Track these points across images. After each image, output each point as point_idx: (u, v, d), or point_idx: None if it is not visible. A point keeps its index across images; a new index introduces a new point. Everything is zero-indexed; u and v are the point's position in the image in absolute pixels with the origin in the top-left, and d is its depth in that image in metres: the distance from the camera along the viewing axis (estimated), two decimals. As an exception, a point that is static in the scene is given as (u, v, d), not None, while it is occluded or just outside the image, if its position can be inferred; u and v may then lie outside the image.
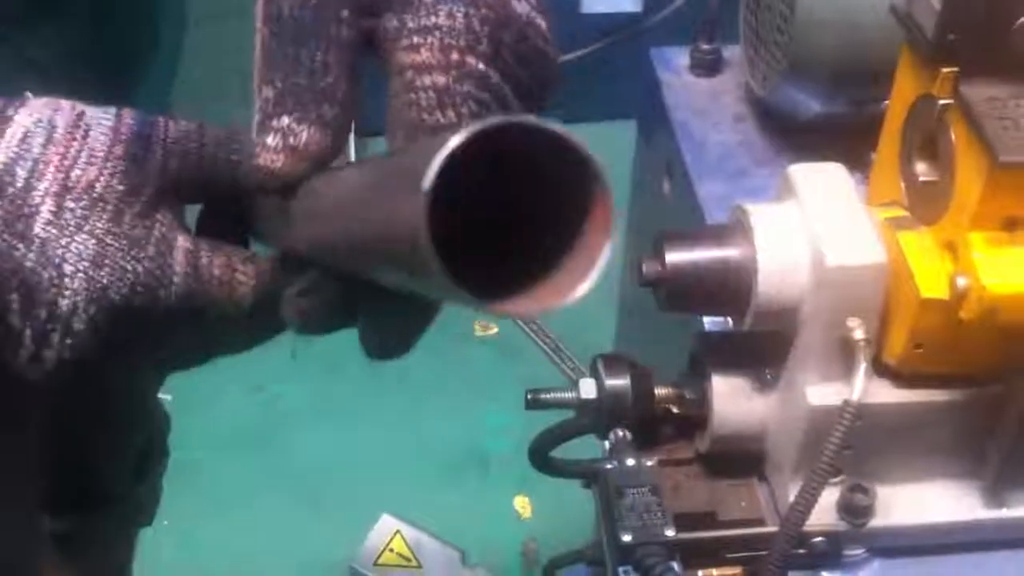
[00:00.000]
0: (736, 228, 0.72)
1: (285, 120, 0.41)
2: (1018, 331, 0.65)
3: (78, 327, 0.38)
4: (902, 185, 0.74)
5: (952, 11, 0.67)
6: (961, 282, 0.64)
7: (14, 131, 0.38)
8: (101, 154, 0.39)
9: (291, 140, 0.41)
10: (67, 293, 0.38)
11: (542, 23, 0.44)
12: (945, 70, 0.68)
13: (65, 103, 0.40)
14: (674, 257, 0.71)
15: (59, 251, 0.38)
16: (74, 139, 0.39)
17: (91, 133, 0.39)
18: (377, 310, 0.40)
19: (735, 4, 1.05)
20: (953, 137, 0.69)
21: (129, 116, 0.40)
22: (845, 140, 0.95)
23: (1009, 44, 0.66)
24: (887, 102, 0.84)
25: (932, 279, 0.67)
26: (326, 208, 0.39)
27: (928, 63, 0.70)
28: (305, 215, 0.41)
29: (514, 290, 0.31)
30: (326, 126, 0.41)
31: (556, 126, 0.29)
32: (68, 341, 0.38)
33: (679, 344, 0.82)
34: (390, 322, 0.41)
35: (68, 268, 0.38)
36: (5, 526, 0.49)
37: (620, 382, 0.75)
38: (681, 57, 1.09)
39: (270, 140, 0.41)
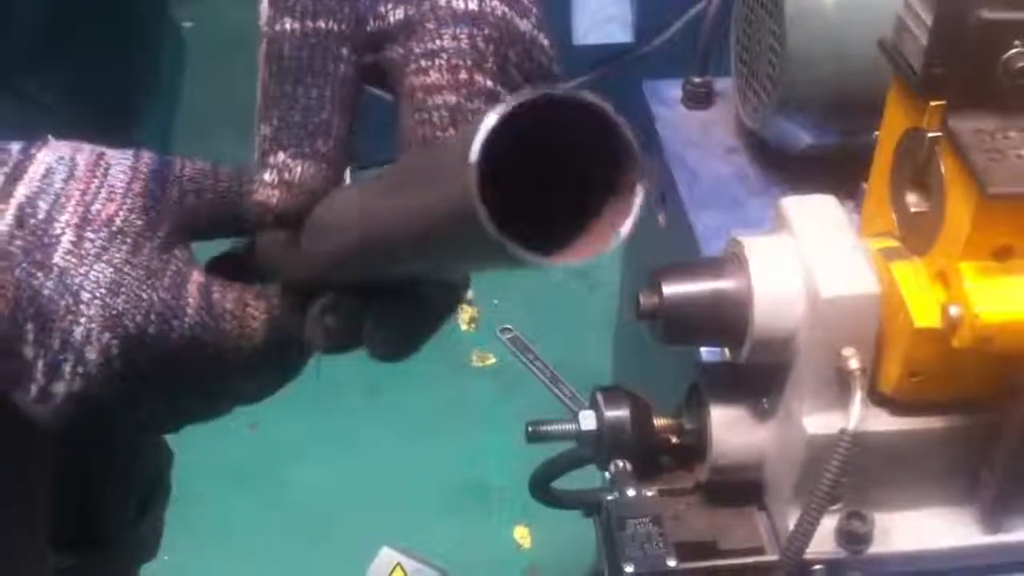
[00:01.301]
0: (731, 260, 0.73)
1: (281, 156, 0.42)
2: (1011, 358, 0.66)
3: (90, 356, 0.39)
4: (894, 216, 0.75)
5: (939, 45, 0.68)
6: (954, 311, 0.65)
7: (37, 168, 0.40)
8: (121, 190, 0.40)
9: (286, 175, 0.41)
10: (82, 320, 0.39)
11: (545, 41, 0.45)
12: (933, 103, 0.70)
13: (86, 145, 0.41)
14: (671, 290, 0.72)
15: (77, 279, 0.39)
16: (95, 176, 0.40)
17: (111, 171, 0.41)
18: (386, 311, 0.41)
19: (726, 36, 1.06)
20: (943, 169, 0.70)
21: (147, 156, 0.42)
22: (837, 170, 0.96)
23: (996, 78, 0.67)
24: (877, 133, 0.86)
25: (925, 309, 0.68)
26: (346, 219, 0.40)
27: (916, 96, 0.71)
28: (317, 235, 0.42)
29: (555, 247, 0.32)
30: (321, 160, 0.42)
31: (584, 94, 0.31)
32: (80, 370, 0.39)
33: (676, 373, 0.83)
34: (398, 320, 0.42)
35: (85, 295, 0.39)
36: (14, 553, 0.50)
37: (619, 414, 0.76)
38: (674, 90, 1.11)
39: (267, 176, 0.42)
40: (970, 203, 0.67)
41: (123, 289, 0.39)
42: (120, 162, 0.41)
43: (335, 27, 0.43)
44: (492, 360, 1.98)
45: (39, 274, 0.39)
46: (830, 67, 0.91)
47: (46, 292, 0.39)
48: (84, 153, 0.41)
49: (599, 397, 0.78)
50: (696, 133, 1.06)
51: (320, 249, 0.41)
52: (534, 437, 0.77)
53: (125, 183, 0.41)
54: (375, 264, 0.38)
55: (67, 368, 0.39)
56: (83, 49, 0.66)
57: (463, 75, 0.41)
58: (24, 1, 0.61)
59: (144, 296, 0.39)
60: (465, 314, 1.99)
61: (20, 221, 0.39)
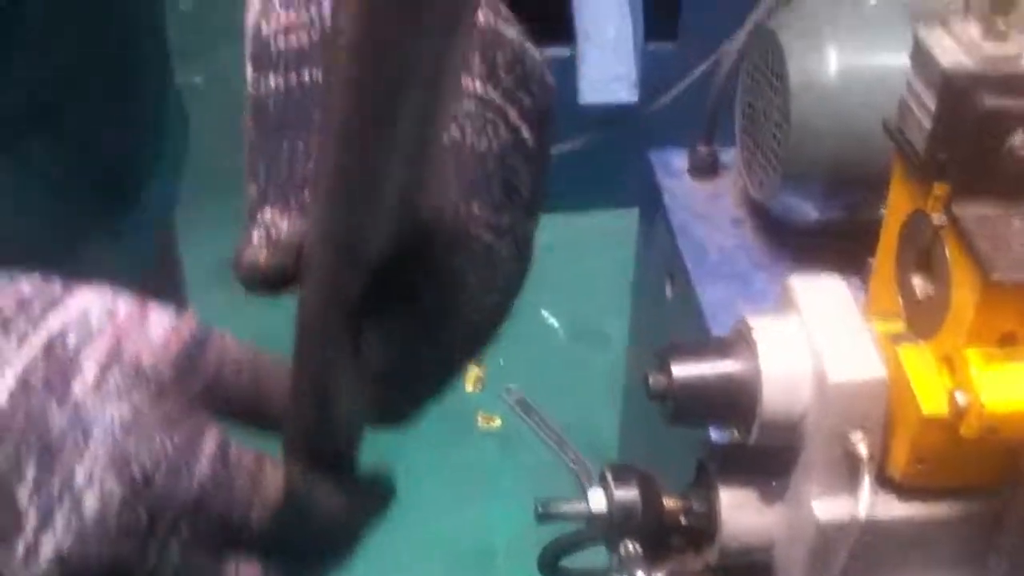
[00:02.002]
0: (739, 341, 0.74)
1: (267, 213, 0.40)
2: (1017, 446, 0.66)
3: (88, 503, 0.36)
4: (899, 297, 0.76)
5: (942, 131, 0.69)
6: (960, 399, 0.66)
7: (77, 302, 0.39)
8: (157, 340, 0.39)
9: (272, 232, 0.40)
10: (87, 459, 0.36)
11: (534, 51, 0.44)
12: (937, 188, 0.70)
13: (131, 295, 0.40)
14: (680, 371, 0.73)
15: (92, 415, 0.37)
16: (133, 322, 0.39)
17: (151, 320, 0.40)
18: (391, 364, 0.40)
19: (732, 104, 1.07)
20: (947, 254, 0.70)
21: (191, 318, 0.40)
22: (843, 244, 0.97)
23: (1000, 164, 0.68)
24: (883, 209, 0.87)
25: (932, 395, 0.68)
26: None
27: (920, 180, 0.72)
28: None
29: None
30: (306, 214, 0.40)
31: None
32: (74, 521, 0.36)
33: (685, 444, 0.83)
34: (404, 374, 0.41)
35: (96, 432, 0.37)
36: None
37: (629, 494, 0.76)
38: (680, 160, 1.12)
39: (254, 235, 0.40)
40: (975, 289, 0.67)
41: (136, 430, 0.37)
42: (162, 316, 0.40)
43: (319, 76, 0.42)
44: (497, 422, 1.97)
45: (54, 406, 0.37)
46: (835, 142, 0.92)
47: (57, 426, 0.37)
48: (127, 298, 0.40)
49: (608, 475, 0.78)
50: (702, 204, 1.07)
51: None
52: (544, 517, 0.77)
53: (163, 335, 0.39)
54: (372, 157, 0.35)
55: (60, 518, 0.36)
56: (86, 111, 0.65)
57: None
58: (26, 63, 0.60)
59: (157, 439, 0.37)
60: (471, 374, 1.99)
61: (47, 350, 0.38)
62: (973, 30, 0.69)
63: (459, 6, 0.32)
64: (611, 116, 2.08)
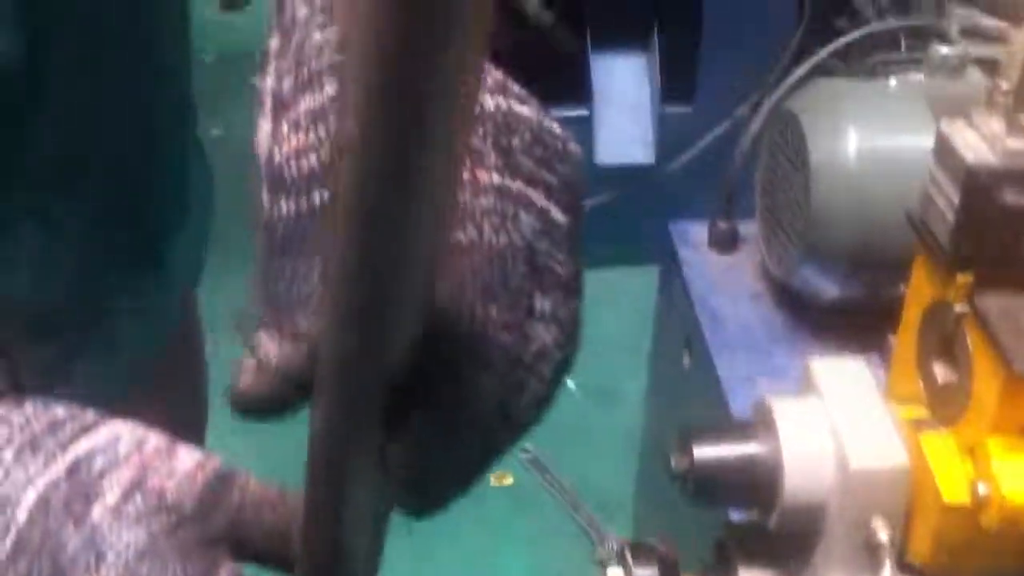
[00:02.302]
0: (760, 424, 0.75)
1: (262, 338, 0.39)
2: (1039, 538, 0.67)
3: None
4: (921, 383, 0.77)
5: (966, 225, 0.70)
6: (982, 489, 0.66)
7: (108, 430, 0.40)
8: (182, 473, 0.39)
9: (265, 359, 0.39)
10: None
11: (552, 124, 0.43)
12: (960, 278, 0.72)
13: (162, 432, 0.41)
14: (701, 453, 0.73)
15: (108, 538, 0.38)
16: (161, 453, 0.40)
17: (178, 455, 0.40)
18: (411, 474, 0.39)
19: (751, 176, 1.09)
20: (969, 344, 0.71)
21: (217, 458, 0.41)
22: (864, 320, 0.98)
23: (1022, 258, 0.69)
24: (903, 286, 0.88)
25: (954, 484, 0.69)
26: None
27: (943, 270, 0.73)
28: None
29: None
30: (299, 339, 0.39)
31: None
32: None
33: (702, 517, 0.84)
34: (425, 482, 0.40)
35: (110, 556, 0.37)
36: None
37: (647, 573, 0.76)
38: (699, 231, 1.13)
39: (246, 362, 0.39)
40: (997, 380, 0.68)
41: (150, 557, 0.37)
42: (190, 452, 0.40)
43: (328, 196, 0.41)
44: (509, 480, 1.97)
45: (71, 527, 0.37)
46: (855, 222, 0.93)
47: (71, 547, 0.37)
48: (157, 433, 0.40)
49: (627, 554, 0.78)
50: (722, 277, 1.08)
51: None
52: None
53: (188, 469, 0.40)
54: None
55: None
56: (111, 172, 0.65)
57: (465, 176, 0.39)
58: (51, 124, 0.61)
59: (170, 569, 0.37)
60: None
61: (72, 472, 0.38)
62: (996, 125, 0.71)
63: (462, 113, 0.31)
64: (628, 176, 2.11)
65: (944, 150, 0.73)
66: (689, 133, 2.06)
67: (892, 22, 1.09)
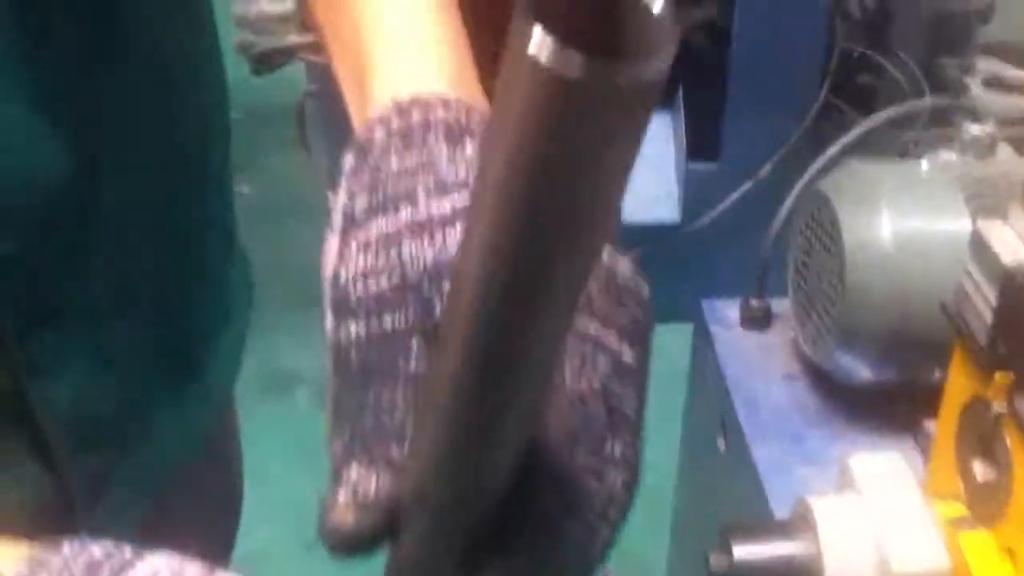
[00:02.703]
0: (800, 523, 0.74)
1: (353, 471, 0.39)
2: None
3: None
4: (960, 481, 0.76)
5: (1003, 325, 0.70)
6: (1026, 596, 0.66)
7: (146, 566, 0.40)
8: None
9: (359, 492, 0.38)
10: None
11: (626, 266, 0.43)
12: (999, 377, 0.71)
13: (198, 562, 0.41)
14: (741, 552, 0.73)
15: None
16: None
17: None
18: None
19: (780, 252, 1.09)
20: (1009, 445, 0.71)
21: None
22: (899, 404, 0.98)
23: (1061, 361, 0.69)
24: (939, 371, 0.87)
25: (997, 589, 0.68)
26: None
27: (981, 368, 0.73)
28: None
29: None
30: (396, 469, 0.38)
31: None
32: None
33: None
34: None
35: None
36: None
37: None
38: (731, 310, 1.13)
39: (340, 497, 0.38)
40: (1039, 482, 0.68)
41: None
42: None
43: (401, 321, 0.40)
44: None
45: None
46: (890, 307, 0.93)
47: None
48: (194, 565, 0.40)
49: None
50: (755, 357, 1.08)
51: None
52: None
53: None
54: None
55: None
56: (157, 294, 0.67)
57: None
58: (101, 251, 0.62)
59: None
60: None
61: None
62: (1032, 225, 0.71)
63: (578, 275, 0.32)
64: (654, 234, 2.11)
65: (980, 248, 0.73)
66: (715, 190, 2.07)
67: (923, 103, 1.09)
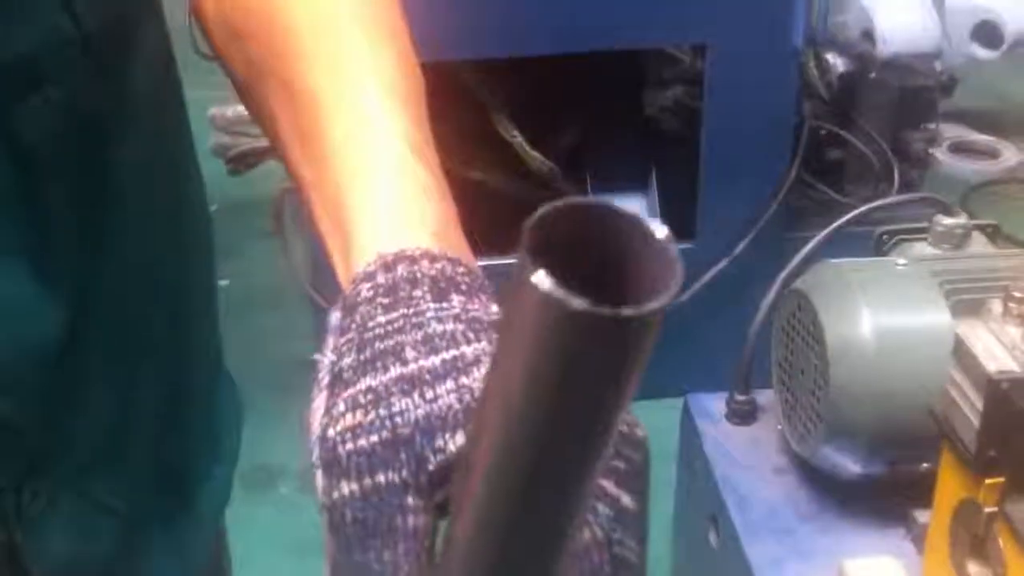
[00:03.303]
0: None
1: None
2: None
3: None
4: (956, 581, 0.77)
5: (991, 431, 0.72)
6: None
7: None
8: None
9: None
10: None
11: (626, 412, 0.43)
12: (989, 480, 0.72)
13: None
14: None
15: None
16: None
17: None
18: None
19: (764, 342, 1.10)
20: (1002, 545, 0.72)
21: None
22: (889, 495, 0.99)
23: (1050, 467, 0.70)
24: (927, 463, 0.88)
25: None
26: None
27: (970, 472, 0.74)
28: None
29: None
30: None
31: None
32: None
33: None
34: None
35: None
36: None
37: None
38: (717, 404, 1.14)
39: None
40: (1034, 586, 0.69)
41: None
42: None
43: (395, 478, 0.40)
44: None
45: None
46: (875, 403, 0.94)
47: None
48: None
49: None
50: (742, 452, 1.09)
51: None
52: None
53: None
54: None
55: None
56: (147, 438, 0.67)
57: None
58: (91, 402, 0.62)
59: None
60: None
61: None
62: (1014, 332, 0.72)
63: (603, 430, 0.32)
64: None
65: (963, 354, 0.74)
66: (692, 268, 2.09)
67: (894, 198, 1.12)
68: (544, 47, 1.87)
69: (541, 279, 0.27)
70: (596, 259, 0.29)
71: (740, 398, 1.12)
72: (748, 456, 1.09)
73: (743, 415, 1.12)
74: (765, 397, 1.13)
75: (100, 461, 0.63)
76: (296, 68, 0.54)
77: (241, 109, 1.82)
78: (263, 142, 1.79)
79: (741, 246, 2.00)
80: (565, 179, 2.05)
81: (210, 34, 0.60)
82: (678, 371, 2.06)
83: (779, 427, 1.07)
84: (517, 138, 2.01)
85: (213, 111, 1.77)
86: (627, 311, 0.27)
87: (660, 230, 0.29)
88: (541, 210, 0.29)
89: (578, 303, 0.27)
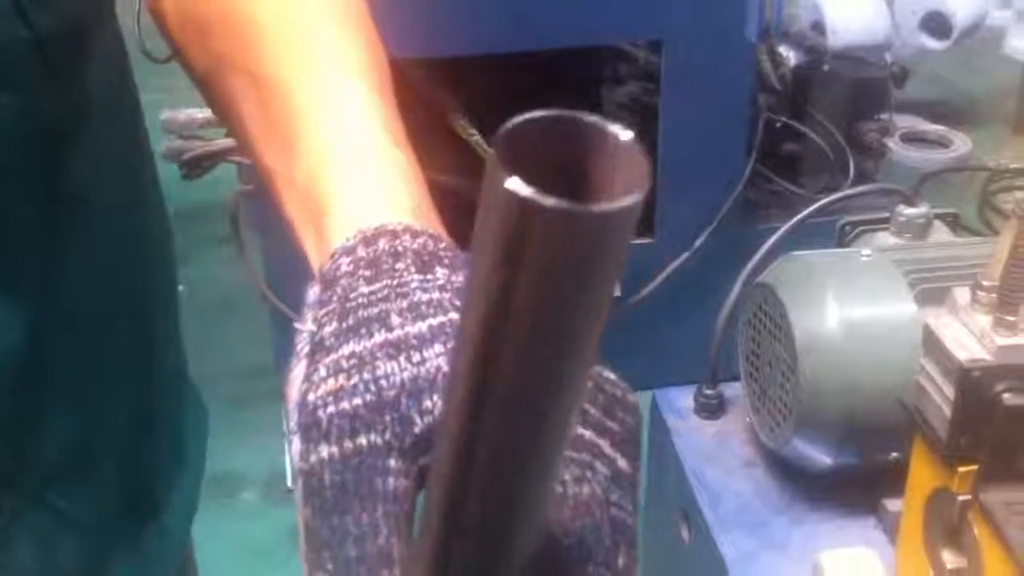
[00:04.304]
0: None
1: None
2: None
3: None
4: (930, 569, 0.77)
5: (963, 420, 0.72)
6: None
7: None
8: None
9: None
10: None
11: (612, 375, 0.42)
12: (962, 468, 0.73)
13: None
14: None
15: None
16: None
17: None
18: None
19: (732, 338, 1.10)
20: (976, 533, 0.72)
21: None
22: (860, 485, 0.99)
23: (1022, 454, 0.70)
24: (897, 453, 0.89)
25: None
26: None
27: (943, 461, 0.74)
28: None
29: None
30: None
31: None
32: None
33: None
34: None
35: None
36: None
37: None
38: (685, 398, 1.14)
39: None
40: (1008, 571, 0.69)
41: None
42: None
43: (377, 440, 0.38)
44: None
45: None
46: (844, 394, 0.94)
47: None
48: None
49: None
50: (712, 445, 1.09)
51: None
52: None
53: None
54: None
55: None
56: (112, 451, 0.66)
57: None
58: (55, 415, 0.61)
59: None
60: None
61: None
62: (983, 320, 0.72)
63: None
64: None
65: (933, 344, 0.75)
66: (653, 264, 2.09)
67: (857, 188, 1.12)
68: (499, 45, 1.86)
69: (516, 184, 0.27)
70: (565, 167, 0.29)
71: (708, 392, 1.12)
72: (718, 450, 1.09)
73: (711, 409, 1.12)
74: (733, 390, 1.14)
75: (65, 474, 0.62)
76: (264, 59, 0.53)
77: (193, 112, 1.80)
78: (217, 146, 1.77)
79: (701, 239, 2.01)
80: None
81: (169, 29, 0.59)
82: (645, 366, 2.06)
83: (748, 420, 1.08)
84: (475, 137, 2.01)
85: (165, 115, 1.74)
86: (604, 206, 0.27)
87: (624, 133, 0.29)
88: (509, 123, 0.28)
89: (553, 201, 0.27)
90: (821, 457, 0.98)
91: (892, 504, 0.92)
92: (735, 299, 1.08)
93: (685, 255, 2.06)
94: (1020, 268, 0.69)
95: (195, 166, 1.76)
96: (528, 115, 0.29)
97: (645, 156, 0.29)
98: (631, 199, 0.28)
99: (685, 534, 1.07)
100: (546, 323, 0.30)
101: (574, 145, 0.30)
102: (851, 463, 0.99)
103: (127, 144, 0.65)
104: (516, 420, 0.31)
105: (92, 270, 0.60)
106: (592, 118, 0.29)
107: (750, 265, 1.07)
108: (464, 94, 2.02)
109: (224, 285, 2.54)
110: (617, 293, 2.14)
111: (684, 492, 1.06)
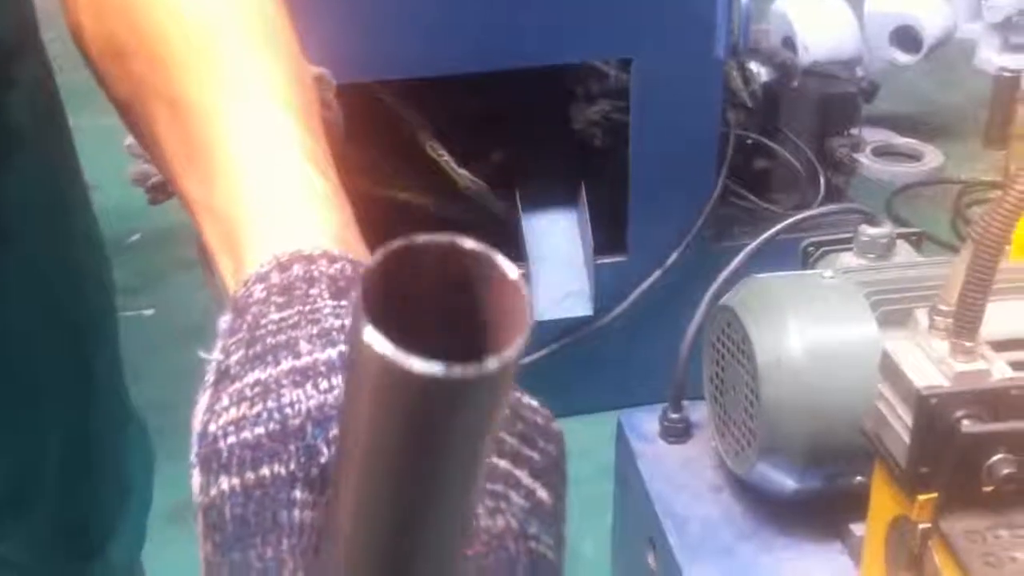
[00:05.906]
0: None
1: None
2: None
3: None
4: (893, 599, 0.76)
5: (922, 448, 0.71)
6: None
7: None
8: None
9: None
10: None
11: (533, 401, 0.41)
12: (922, 497, 0.72)
13: None
14: None
15: None
16: None
17: None
18: None
19: (698, 359, 1.09)
20: (938, 563, 0.71)
21: None
22: (824, 509, 0.98)
23: (982, 481, 0.69)
24: (860, 479, 0.88)
25: None
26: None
27: (903, 488, 0.73)
28: None
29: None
30: None
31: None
32: None
33: None
34: None
35: None
36: None
37: None
38: (650, 422, 1.13)
39: None
40: (971, 602, 0.68)
41: None
42: None
43: (281, 470, 0.37)
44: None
45: None
46: (807, 418, 0.94)
47: None
48: None
49: None
50: (678, 470, 1.08)
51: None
52: None
53: None
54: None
55: None
56: (54, 490, 0.65)
57: None
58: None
59: None
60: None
61: None
62: (940, 346, 0.72)
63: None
64: (567, 329, 2.12)
65: (891, 369, 0.74)
66: (625, 282, 2.09)
67: (818, 209, 1.12)
68: (468, 65, 1.86)
69: (374, 338, 0.25)
70: (444, 301, 0.27)
71: (673, 416, 1.11)
72: (684, 475, 1.08)
73: (677, 433, 1.11)
74: (700, 412, 1.12)
75: (1, 514, 0.61)
76: (183, 84, 0.51)
77: (159, 137, 1.78)
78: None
79: (672, 258, 2.01)
80: (494, 196, 2.05)
81: (88, 53, 0.58)
82: (614, 386, 2.05)
83: (713, 443, 1.07)
84: (444, 157, 2.00)
85: (129, 139, 1.73)
86: (470, 370, 0.25)
87: (512, 270, 0.27)
88: (376, 254, 0.26)
89: (417, 364, 0.25)
90: (786, 481, 0.97)
91: (857, 528, 0.91)
92: (700, 320, 1.07)
93: (657, 273, 2.06)
94: (977, 293, 0.69)
95: (161, 191, 1.75)
96: (399, 243, 0.27)
97: (530, 298, 0.27)
98: (506, 355, 0.25)
99: (652, 561, 1.06)
100: (419, 471, 0.28)
101: (454, 274, 0.27)
102: (816, 487, 0.98)
103: (56, 173, 0.64)
104: (400, 513, 0.30)
105: (26, 303, 0.60)
106: (474, 247, 0.27)
107: (714, 286, 1.07)
108: (434, 114, 2.01)
109: (195, 309, 2.52)
110: (589, 312, 2.13)
111: (650, 518, 1.05)
